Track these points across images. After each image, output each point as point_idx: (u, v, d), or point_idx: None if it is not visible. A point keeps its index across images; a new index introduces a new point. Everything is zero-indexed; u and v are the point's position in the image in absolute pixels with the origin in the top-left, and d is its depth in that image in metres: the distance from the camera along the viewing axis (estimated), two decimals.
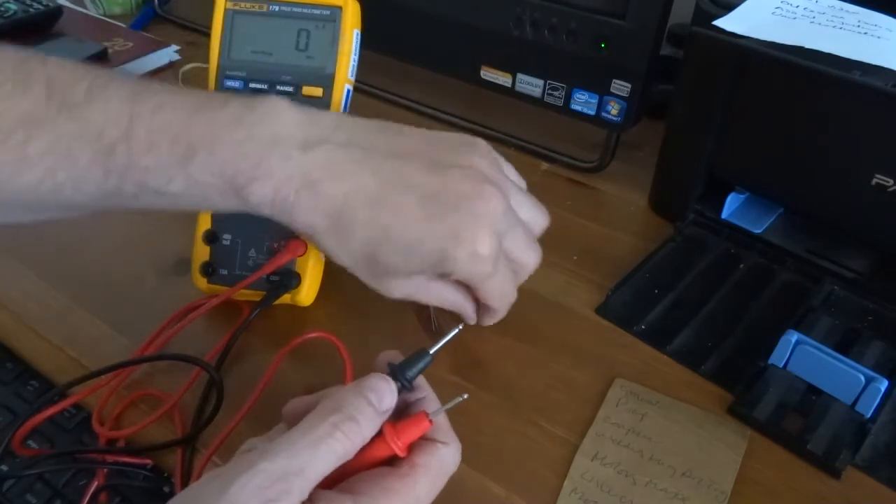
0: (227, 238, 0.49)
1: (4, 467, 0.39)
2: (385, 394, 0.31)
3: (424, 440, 0.31)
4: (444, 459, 0.31)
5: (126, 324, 0.49)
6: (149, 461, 0.41)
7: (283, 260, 0.48)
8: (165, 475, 0.41)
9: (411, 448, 0.31)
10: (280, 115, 0.37)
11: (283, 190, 0.36)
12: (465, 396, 0.32)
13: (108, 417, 0.43)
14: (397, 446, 0.31)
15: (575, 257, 0.57)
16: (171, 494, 0.40)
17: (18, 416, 0.41)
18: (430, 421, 0.31)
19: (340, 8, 0.49)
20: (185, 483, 0.40)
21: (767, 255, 0.57)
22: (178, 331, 0.46)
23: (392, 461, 0.31)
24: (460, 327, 0.36)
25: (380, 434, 0.31)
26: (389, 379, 0.32)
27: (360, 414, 0.30)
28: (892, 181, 0.47)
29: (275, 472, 0.27)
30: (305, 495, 0.28)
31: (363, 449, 0.31)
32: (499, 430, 0.44)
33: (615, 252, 0.58)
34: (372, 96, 0.76)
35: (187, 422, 0.43)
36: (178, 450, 0.41)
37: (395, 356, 0.35)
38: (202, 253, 0.49)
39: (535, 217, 0.43)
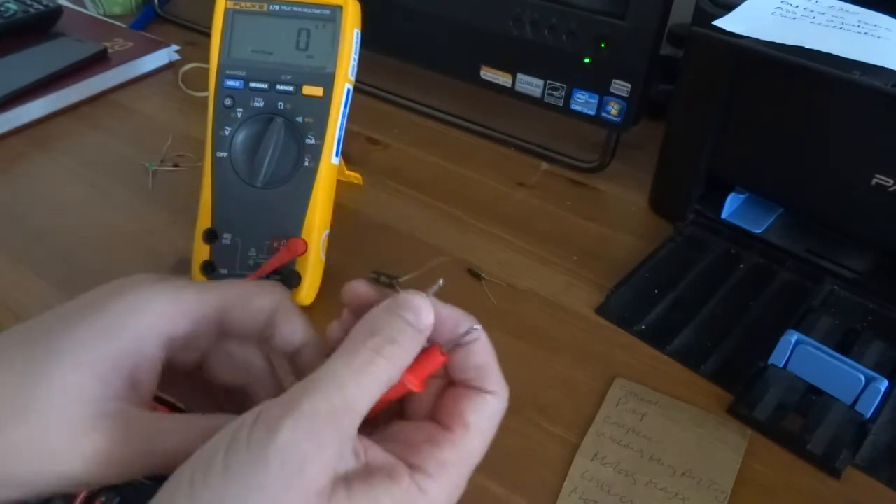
0: (227, 237, 0.49)
1: None
2: (422, 310, 0.28)
3: (474, 392, 0.29)
4: (495, 413, 0.29)
5: None
6: None
7: (283, 259, 0.48)
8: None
9: (462, 405, 0.29)
10: None
11: None
12: (441, 282, 0.30)
13: None
14: (413, 383, 0.29)
15: (575, 257, 0.57)
16: None
17: None
18: (444, 353, 0.29)
19: (340, 7, 0.49)
20: None
21: (767, 255, 0.57)
22: None
23: (435, 416, 0.29)
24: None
25: None
26: (423, 294, 0.29)
27: (400, 335, 0.27)
28: (892, 181, 0.47)
29: (323, 411, 0.24)
30: (355, 431, 0.25)
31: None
32: (499, 429, 0.44)
33: (615, 252, 0.58)
34: (372, 96, 0.76)
35: None
36: None
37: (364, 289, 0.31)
38: (202, 252, 0.49)
39: None
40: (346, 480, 0.25)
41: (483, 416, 0.29)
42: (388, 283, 0.31)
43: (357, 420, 0.25)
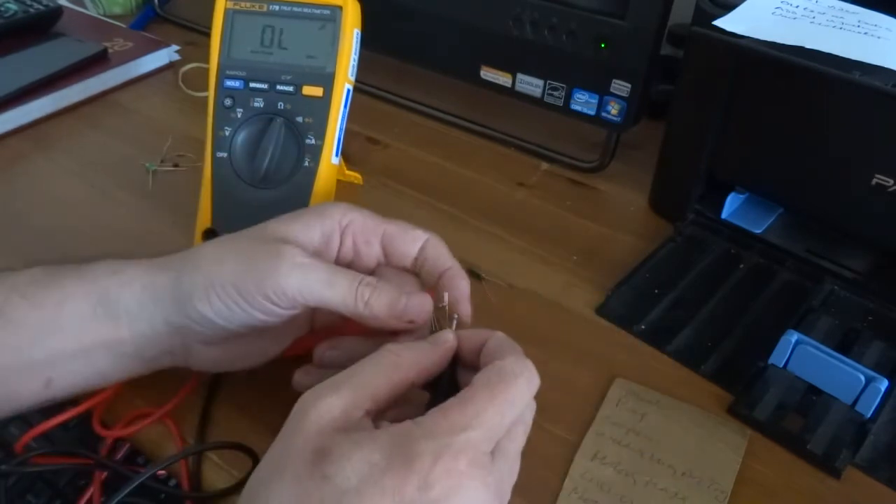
0: None
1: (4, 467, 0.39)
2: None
3: (484, 363, 0.32)
4: (505, 374, 0.30)
5: None
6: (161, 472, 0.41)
7: None
8: (164, 477, 0.41)
9: (474, 377, 0.31)
10: None
11: None
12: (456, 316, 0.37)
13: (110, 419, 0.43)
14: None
15: (575, 257, 0.57)
16: (172, 494, 0.40)
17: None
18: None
19: (340, 7, 0.49)
20: (192, 486, 0.39)
21: (767, 255, 0.57)
22: None
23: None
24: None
25: None
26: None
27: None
28: (892, 181, 0.47)
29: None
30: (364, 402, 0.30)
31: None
32: None
33: (615, 252, 0.58)
34: (372, 96, 0.76)
35: (184, 423, 0.43)
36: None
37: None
38: None
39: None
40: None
41: (489, 374, 0.30)
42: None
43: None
